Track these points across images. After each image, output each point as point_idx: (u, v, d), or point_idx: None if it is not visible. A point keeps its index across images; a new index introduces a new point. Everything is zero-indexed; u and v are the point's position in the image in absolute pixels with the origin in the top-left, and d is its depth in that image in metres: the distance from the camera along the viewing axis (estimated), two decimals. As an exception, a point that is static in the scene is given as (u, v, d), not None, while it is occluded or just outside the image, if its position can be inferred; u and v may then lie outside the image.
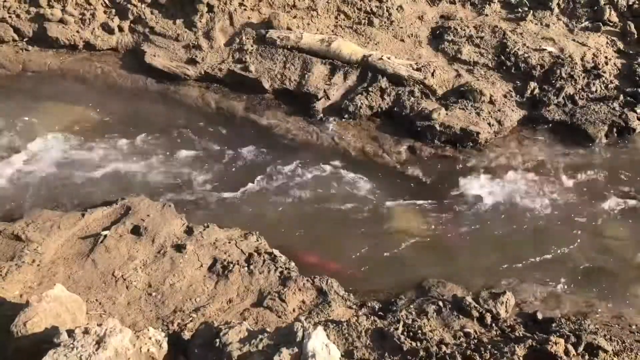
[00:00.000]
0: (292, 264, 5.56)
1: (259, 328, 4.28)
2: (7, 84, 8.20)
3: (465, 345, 4.61)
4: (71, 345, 3.55)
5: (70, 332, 3.67)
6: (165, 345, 3.81)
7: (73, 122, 7.63)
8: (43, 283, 4.98)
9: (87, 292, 4.98)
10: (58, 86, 8.20)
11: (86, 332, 3.65)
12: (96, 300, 4.92)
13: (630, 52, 8.84)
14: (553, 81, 8.24)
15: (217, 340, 3.69)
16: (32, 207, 5.97)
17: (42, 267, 5.17)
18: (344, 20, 9.00)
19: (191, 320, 4.78)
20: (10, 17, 8.55)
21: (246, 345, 3.58)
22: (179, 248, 5.53)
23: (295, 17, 8.82)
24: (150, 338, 3.79)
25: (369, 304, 5.27)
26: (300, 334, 3.50)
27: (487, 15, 9.41)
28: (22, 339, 3.87)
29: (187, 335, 4.28)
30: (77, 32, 8.64)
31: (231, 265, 5.41)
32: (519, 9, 9.50)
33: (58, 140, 7.31)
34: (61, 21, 8.62)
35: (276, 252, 5.65)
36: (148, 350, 3.72)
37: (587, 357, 4.56)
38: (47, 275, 5.11)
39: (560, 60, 8.48)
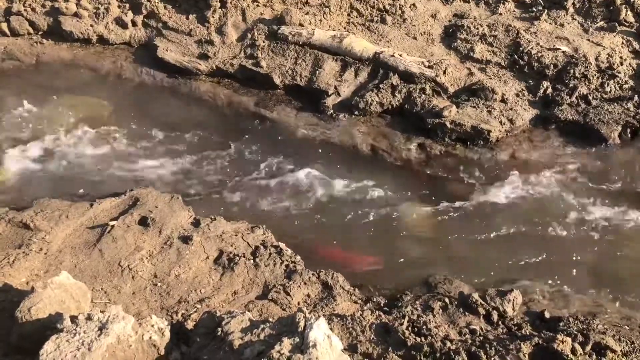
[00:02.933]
0: (298, 257, 5.53)
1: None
2: (21, 76, 8.27)
3: (470, 341, 4.56)
4: (74, 331, 3.57)
5: (74, 319, 3.68)
6: (167, 334, 3.81)
7: (85, 115, 7.70)
8: (50, 271, 5.01)
9: (93, 281, 5.00)
10: (71, 79, 8.25)
11: (89, 318, 3.67)
12: (101, 289, 4.94)
13: (646, 52, 8.72)
14: (566, 81, 8.14)
15: (219, 329, 3.68)
16: (42, 196, 6.01)
17: (49, 255, 5.20)
18: (356, 17, 8.97)
19: (195, 311, 4.78)
20: (25, 10, 8.63)
21: (247, 334, 3.57)
22: (186, 239, 5.54)
23: (307, 13, 8.80)
24: (152, 326, 3.80)
25: (374, 299, 5.24)
26: (302, 324, 3.47)
27: (500, 14, 9.32)
28: (26, 325, 3.90)
29: (190, 325, 4.28)
30: (91, 26, 8.69)
31: (237, 258, 5.41)
32: (534, 9, 9.39)
33: (69, 132, 7.37)
34: (75, 15, 8.68)
35: (282, 245, 5.63)
36: (150, 337, 3.72)
37: (594, 356, 4.49)
38: (53, 263, 5.14)
39: (574, 59, 8.37)
